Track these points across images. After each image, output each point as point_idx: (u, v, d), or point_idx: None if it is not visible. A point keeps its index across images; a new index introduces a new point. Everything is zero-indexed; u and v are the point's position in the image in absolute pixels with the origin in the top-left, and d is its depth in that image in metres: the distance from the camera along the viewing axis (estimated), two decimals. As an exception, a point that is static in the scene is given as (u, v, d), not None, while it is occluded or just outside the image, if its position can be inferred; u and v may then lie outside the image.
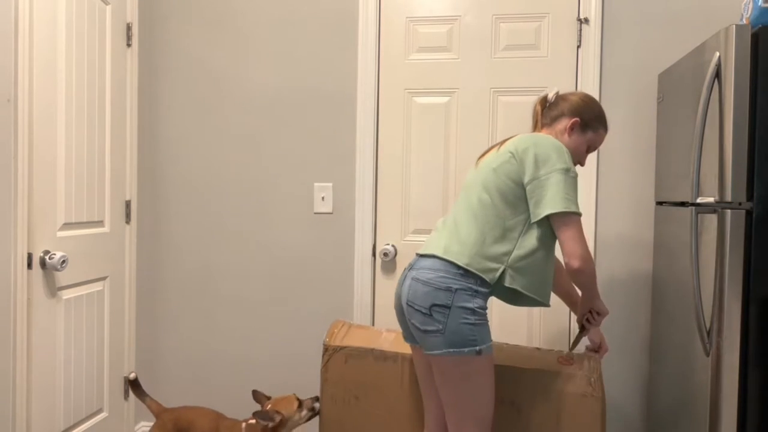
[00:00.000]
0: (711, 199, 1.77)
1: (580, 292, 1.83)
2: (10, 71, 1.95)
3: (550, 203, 1.60)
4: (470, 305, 1.59)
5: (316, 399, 2.13)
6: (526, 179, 1.64)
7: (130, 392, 2.64)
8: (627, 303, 2.44)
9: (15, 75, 1.96)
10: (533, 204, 1.63)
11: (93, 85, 2.38)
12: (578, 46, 2.44)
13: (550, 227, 1.68)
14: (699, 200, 1.81)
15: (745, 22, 1.83)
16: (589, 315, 1.84)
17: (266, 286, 2.69)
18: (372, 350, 2.03)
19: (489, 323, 1.71)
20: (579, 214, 1.62)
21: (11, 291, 1.98)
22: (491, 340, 1.64)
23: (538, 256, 1.66)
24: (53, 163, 2.16)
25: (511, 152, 1.67)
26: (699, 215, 1.86)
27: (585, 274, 1.64)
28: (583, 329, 1.91)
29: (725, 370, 1.71)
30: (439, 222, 1.80)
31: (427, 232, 2.57)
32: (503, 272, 1.63)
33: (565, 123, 1.77)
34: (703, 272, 1.82)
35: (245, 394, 2.69)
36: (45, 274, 2.13)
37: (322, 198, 2.63)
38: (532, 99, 2.47)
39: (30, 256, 2.06)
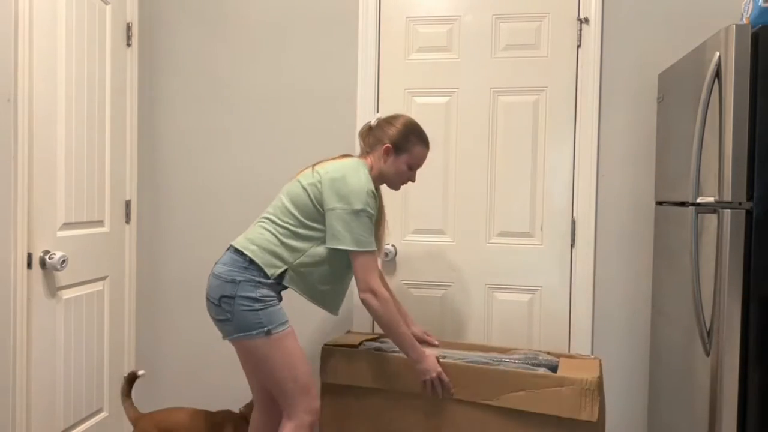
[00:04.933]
0: (711, 199, 1.77)
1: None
2: (10, 71, 1.95)
3: (342, 240, 1.80)
4: (253, 294, 1.78)
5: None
6: (325, 208, 1.83)
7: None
8: (627, 303, 2.44)
9: (15, 75, 1.96)
10: (329, 235, 1.82)
11: (93, 85, 2.38)
12: (578, 46, 2.44)
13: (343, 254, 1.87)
14: (699, 200, 1.81)
15: (745, 22, 1.83)
16: (430, 380, 1.90)
17: (266, 286, 2.69)
18: (372, 350, 2.03)
19: (282, 307, 1.85)
20: (370, 252, 1.82)
21: (11, 291, 1.98)
22: (284, 320, 1.82)
23: (323, 269, 1.87)
24: (53, 163, 2.16)
25: (318, 180, 1.85)
26: (699, 215, 1.86)
27: (372, 308, 1.82)
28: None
29: (725, 370, 1.71)
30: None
31: (427, 232, 2.57)
32: (284, 272, 1.84)
33: (380, 150, 1.94)
34: (703, 272, 1.82)
35: (245, 394, 2.69)
36: (45, 274, 2.13)
37: (322, 198, 2.63)
38: (533, 99, 2.47)
39: (30, 256, 2.06)
